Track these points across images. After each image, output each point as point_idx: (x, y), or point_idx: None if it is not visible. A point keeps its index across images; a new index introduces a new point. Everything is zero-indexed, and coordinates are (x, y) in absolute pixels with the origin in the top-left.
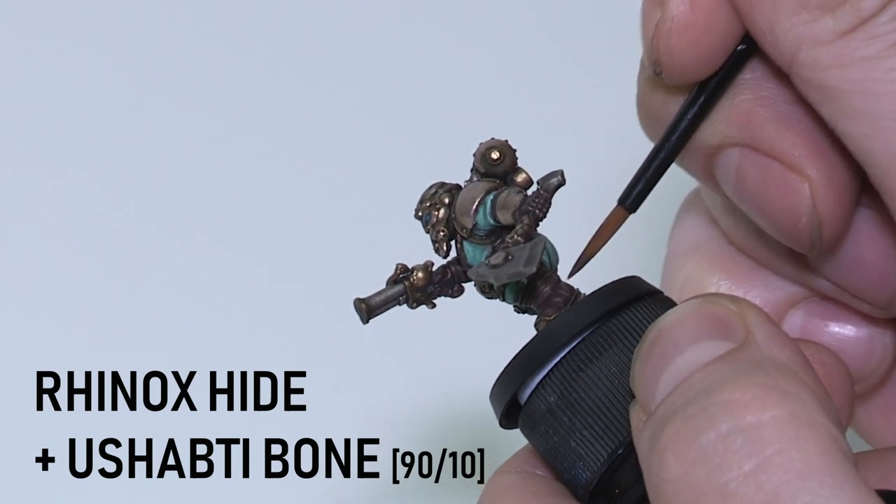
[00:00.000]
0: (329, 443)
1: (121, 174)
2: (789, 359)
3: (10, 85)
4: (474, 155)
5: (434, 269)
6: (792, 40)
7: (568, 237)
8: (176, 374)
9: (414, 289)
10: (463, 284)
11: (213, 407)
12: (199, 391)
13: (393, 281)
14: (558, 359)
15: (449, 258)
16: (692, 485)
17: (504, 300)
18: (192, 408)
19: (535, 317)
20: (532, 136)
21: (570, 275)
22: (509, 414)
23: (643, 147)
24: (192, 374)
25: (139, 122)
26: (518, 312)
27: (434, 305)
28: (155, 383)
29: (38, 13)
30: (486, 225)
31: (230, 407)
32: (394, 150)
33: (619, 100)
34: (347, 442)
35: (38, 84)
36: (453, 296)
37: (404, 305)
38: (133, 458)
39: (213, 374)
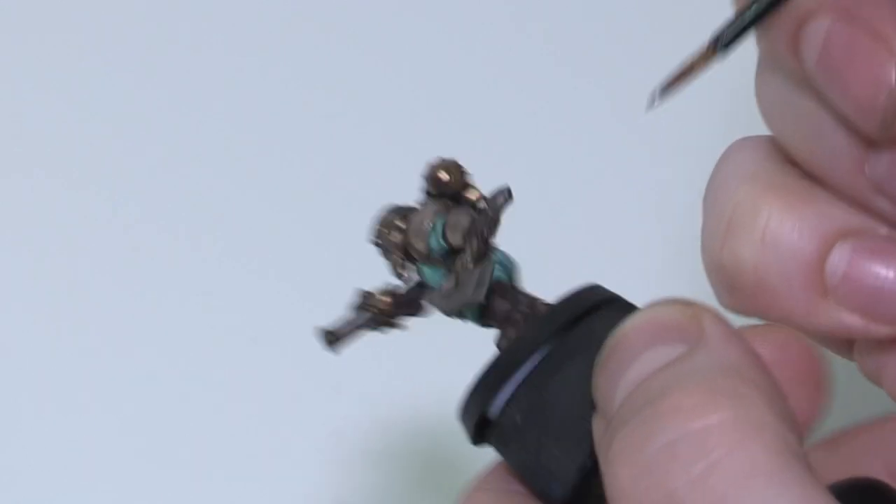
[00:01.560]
0: (329, 443)
1: (120, 174)
2: (740, 359)
3: (7, 86)
4: (423, 176)
5: (397, 290)
6: None
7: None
8: (176, 374)
9: (381, 314)
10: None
11: (212, 407)
12: (198, 391)
13: (357, 307)
14: (520, 378)
15: (411, 281)
16: (643, 493)
17: (467, 320)
18: (192, 408)
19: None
20: (524, 138)
21: (652, 103)
22: (481, 431)
23: (637, 148)
24: (191, 375)
25: (139, 122)
26: (484, 327)
27: (404, 327)
28: (154, 383)
29: (33, 16)
30: (439, 249)
31: (230, 407)
32: (391, 152)
33: (616, 101)
34: (347, 442)
35: (33, 84)
36: (418, 316)
37: (372, 331)
38: (134, 458)
39: (212, 375)
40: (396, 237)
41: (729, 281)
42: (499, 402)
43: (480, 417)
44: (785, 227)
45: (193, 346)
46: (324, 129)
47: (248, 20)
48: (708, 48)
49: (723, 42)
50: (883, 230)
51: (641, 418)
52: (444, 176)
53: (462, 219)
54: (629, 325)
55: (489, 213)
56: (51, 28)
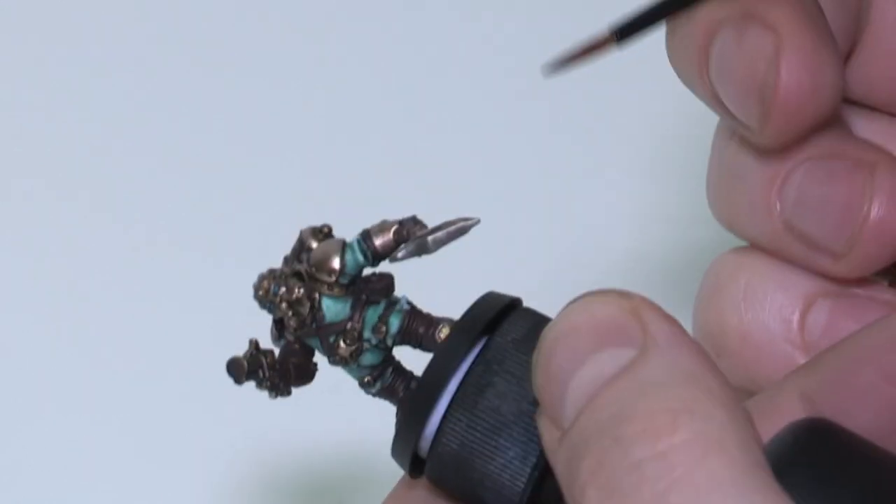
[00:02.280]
0: (329, 443)
1: (120, 175)
2: (692, 363)
3: (6, 86)
4: (300, 240)
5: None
6: None
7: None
8: (176, 375)
9: (268, 368)
10: (293, 388)
11: (213, 407)
12: (199, 391)
13: (246, 358)
14: (445, 404)
15: (282, 349)
16: None
17: (360, 365)
18: (193, 408)
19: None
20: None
21: (545, 73)
22: (417, 468)
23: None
24: (192, 375)
25: (139, 123)
26: (366, 388)
27: (277, 395)
28: (153, 384)
29: (33, 16)
30: (354, 266)
31: (231, 407)
32: (391, 153)
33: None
34: (347, 442)
35: (33, 85)
36: (281, 392)
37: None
38: (134, 458)
39: (213, 375)
40: (292, 279)
41: (715, 344)
42: (429, 434)
43: (414, 455)
44: (767, 286)
45: (194, 346)
46: (324, 131)
47: (248, 21)
48: (607, 37)
49: (621, 34)
50: (859, 290)
51: (607, 442)
52: (326, 229)
53: (388, 222)
54: (567, 322)
55: (405, 220)
56: (51, 28)
